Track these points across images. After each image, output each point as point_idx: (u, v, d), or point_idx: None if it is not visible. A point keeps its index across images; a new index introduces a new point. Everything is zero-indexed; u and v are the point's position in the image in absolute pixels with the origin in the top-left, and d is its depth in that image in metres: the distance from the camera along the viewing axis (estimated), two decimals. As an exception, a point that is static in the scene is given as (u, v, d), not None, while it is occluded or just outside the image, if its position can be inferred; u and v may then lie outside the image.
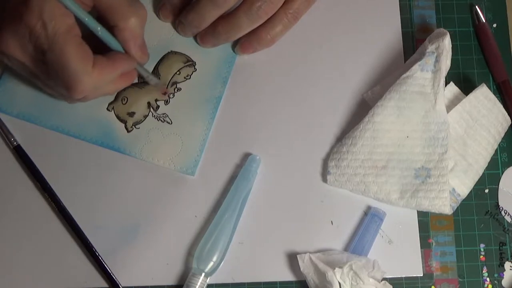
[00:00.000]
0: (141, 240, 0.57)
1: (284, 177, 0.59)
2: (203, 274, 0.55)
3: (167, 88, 0.59)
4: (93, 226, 0.57)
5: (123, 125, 0.59)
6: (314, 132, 0.60)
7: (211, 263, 0.55)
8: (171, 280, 0.56)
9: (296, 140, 0.60)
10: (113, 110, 0.59)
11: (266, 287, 0.57)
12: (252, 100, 0.60)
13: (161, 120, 0.59)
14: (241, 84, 0.61)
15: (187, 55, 0.60)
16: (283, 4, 0.57)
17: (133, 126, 0.59)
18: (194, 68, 0.60)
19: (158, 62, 0.60)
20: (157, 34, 0.60)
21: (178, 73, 0.60)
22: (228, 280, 0.57)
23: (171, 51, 0.60)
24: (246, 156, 0.59)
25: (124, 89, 0.59)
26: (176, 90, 0.59)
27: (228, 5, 0.56)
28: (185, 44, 0.60)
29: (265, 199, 0.58)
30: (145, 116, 0.59)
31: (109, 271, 0.56)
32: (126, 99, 0.59)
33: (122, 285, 0.56)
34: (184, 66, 0.60)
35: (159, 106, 0.59)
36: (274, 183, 0.59)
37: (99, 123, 0.58)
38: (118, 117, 0.59)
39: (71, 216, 0.57)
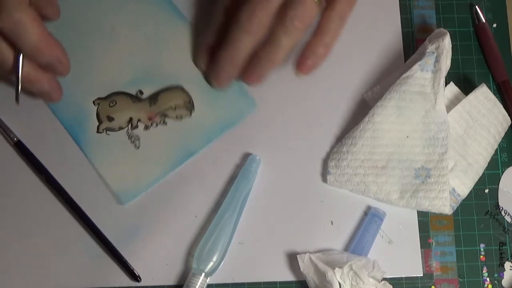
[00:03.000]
0: (141, 240, 0.57)
1: (284, 177, 0.59)
2: (203, 274, 0.55)
3: (155, 115, 0.58)
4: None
5: (97, 124, 0.58)
6: (314, 132, 0.60)
7: (211, 263, 0.55)
8: (171, 280, 0.56)
9: (296, 140, 0.60)
10: (97, 106, 0.59)
11: (266, 287, 0.57)
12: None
13: (131, 140, 0.58)
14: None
15: (191, 99, 0.59)
16: (325, 9, 0.54)
17: (105, 130, 0.58)
18: (190, 114, 0.59)
19: (164, 89, 0.59)
20: (177, 62, 0.60)
21: (173, 108, 0.59)
22: (228, 280, 0.57)
23: (180, 86, 0.59)
24: (246, 156, 0.59)
25: (118, 94, 0.59)
26: (161, 122, 0.59)
27: (261, 30, 0.53)
28: (196, 89, 0.59)
29: (265, 199, 0.58)
30: (120, 128, 0.58)
31: (124, 259, 0.56)
32: (114, 103, 0.59)
33: (123, 285, 0.56)
34: (182, 107, 0.59)
35: (137, 126, 0.58)
36: (274, 183, 0.59)
37: (79, 109, 0.58)
38: (97, 114, 0.58)
39: (80, 207, 0.56)
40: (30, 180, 0.57)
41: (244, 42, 0.54)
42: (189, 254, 0.57)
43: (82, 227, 0.57)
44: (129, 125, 0.58)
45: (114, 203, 0.57)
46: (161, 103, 0.59)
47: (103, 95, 0.59)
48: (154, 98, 0.59)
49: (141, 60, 0.60)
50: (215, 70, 0.57)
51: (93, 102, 0.59)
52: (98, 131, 0.58)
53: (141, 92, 0.59)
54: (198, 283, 0.54)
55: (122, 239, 0.57)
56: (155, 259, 0.57)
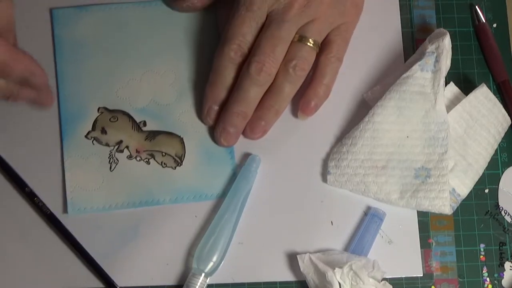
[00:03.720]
0: (141, 240, 0.57)
1: (284, 177, 0.59)
2: (203, 274, 0.55)
3: (143, 151, 0.58)
4: (93, 226, 0.57)
5: (89, 129, 0.58)
6: (314, 132, 0.60)
7: (211, 263, 0.55)
8: (171, 280, 0.56)
9: (296, 140, 0.60)
10: (99, 114, 0.58)
11: (266, 287, 0.57)
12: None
13: (109, 161, 0.58)
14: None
15: (184, 155, 0.58)
16: (321, 51, 0.57)
17: (93, 139, 0.58)
18: (174, 168, 0.58)
19: (166, 132, 0.59)
20: (191, 114, 0.59)
21: (163, 154, 0.58)
22: (228, 280, 0.57)
23: (182, 138, 0.59)
24: (246, 156, 0.59)
25: (124, 113, 0.58)
26: (145, 160, 0.58)
27: (270, 80, 0.55)
28: (193, 148, 0.58)
29: (265, 199, 0.58)
30: (107, 145, 0.58)
31: (101, 269, 0.56)
32: (116, 119, 0.58)
33: (122, 285, 0.56)
34: (171, 157, 0.58)
35: (122, 151, 0.58)
36: (274, 183, 0.59)
37: (82, 107, 0.59)
38: (95, 121, 0.58)
39: (58, 218, 0.56)
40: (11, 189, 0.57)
41: (255, 94, 0.56)
42: (189, 254, 0.57)
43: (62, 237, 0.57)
44: (116, 147, 0.58)
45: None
46: (156, 143, 0.58)
47: (110, 107, 0.59)
48: (152, 135, 0.59)
49: (162, 94, 0.59)
50: (225, 128, 0.57)
51: (98, 109, 0.59)
52: (86, 136, 0.58)
53: (144, 124, 0.59)
54: (198, 283, 0.54)
55: (122, 239, 0.57)
56: (155, 259, 0.57)
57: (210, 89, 0.57)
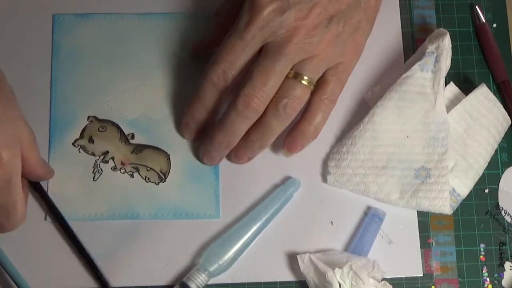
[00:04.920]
0: (141, 240, 0.57)
1: (284, 177, 0.59)
2: (206, 272, 0.55)
3: (129, 162, 0.58)
4: (93, 226, 0.57)
5: (76, 137, 0.58)
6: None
7: (217, 265, 0.55)
8: (171, 280, 0.56)
9: (296, 140, 0.60)
10: (88, 123, 0.58)
11: (266, 287, 0.57)
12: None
13: (93, 170, 0.58)
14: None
15: (169, 172, 0.58)
16: (316, 91, 0.54)
17: (79, 146, 0.58)
18: (157, 183, 0.58)
19: (153, 146, 0.58)
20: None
21: (148, 169, 0.58)
22: (228, 280, 0.57)
23: (168, 154, 0.58)
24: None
25: (113, 124, 0.59)
26: (129, 173, 0.58)
27: (257, 114, 0.53)
28: (179, 167, 0.58)
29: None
30: (93, 154, 0.58)
31: (97, 268, 0.55)
32: (104, 129, 0.58)
33: (122, 285, 0.56)
34: (155, 173, 0.58)
35: (107, 162, 0.58)
36: (274, 183, 0.59)
37: (73, 113, 0.59)
38: (84, 129, 0.58)
39: (61, 214, 0.56)
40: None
41: (241, 127, 0.54)
42: (192, 252, 0.57)
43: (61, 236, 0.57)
44: (102, 157, 0.58)
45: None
46: (142, 157, 0.58)
47: (100, 117, 0.59)
48: (139, 148, 0.58)
49: (153, 109, 0.59)
50: (208, 151, 0.56)
51: (88, 117, 0.59)
52: (73, 144, 0.58)
53: (132, 136, 0.58)
54: (199, 279, 0.54)
55: (122, 239, 0.57)
56: (155, 259, 0.57)
57: (189, 107, 0.56)
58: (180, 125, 0.58)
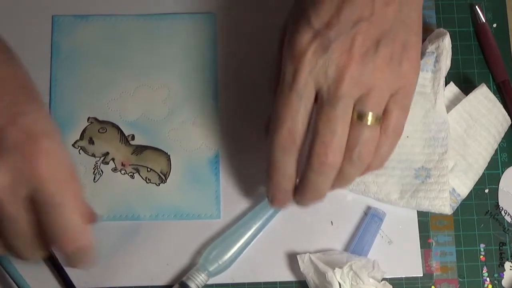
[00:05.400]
0: (141, 240, 0.57)
1: (284, 177, 0.59)
2: (206, 272, 0.55)
3: (129, 164, 0.58)
4: (94, 227, 0.57)
5: (77, 139, 0.58)
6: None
7: (217, 264, 0.55)
8: (171, 280, 0.56)
9: (296, 140, 0.60)
10: (88, 124, 0.59)
11: (266, 287, 0.57)
12: (252, 100, 0.60)
13: (94, 171, 0.58)
14: (240, 80, 0.61)
15: (169, 173, 0.58)
16: (380, 126, 0.49)
17: (79, 147, 0.58)
18: (158, 184, 0.58)
19: (153, 147, 0.58)
20: (182, 135, 0.59)
21: (148, 170, 0.58)
22: (228, 280, 0.57)
23: (169, 155, 0.58)
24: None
25: (113, 126, 0.59)
26: (130, 174, 0.58)
27: (337, 168, 0.48)
28: (179, 168, 0.58)
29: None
30: (93, 155, 0.58)
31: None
32: (104, 130, 0.58)
33: (122, 285, 0.56)
34: (156, 173, 0.58)
35: (107, 163, 0.58)
36: (274, 183, 0.59)
37: (72, 115, 0.59)
38: (84, 130, 0.58)
39: None
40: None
41: (324, 185, 0.49)
42: (193, 253, 0.57)
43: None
44: (102, 158, 0.58)
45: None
46: (142, 158, 0.58)
47: (100, 118, 0.59)
48: (140, 149, 0.58)
49: (153, 110, 0.59)
50: (286, 205, 0.53)
51: (88, 118, 0.59)
52: (73, 145, 0.58)
53: (132, 137, 0.59)
54: (198, 279, 0.54)
55: (122, 239, 0.57)
56: (155, 259, 0.57)
57: (270, 180, 0.51)
58: (268, 196, 0.53)
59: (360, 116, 0.47)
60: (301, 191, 0.50)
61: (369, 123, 0.47)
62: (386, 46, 0.47)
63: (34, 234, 0.43)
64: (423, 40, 0.60)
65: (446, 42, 0.58)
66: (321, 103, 0.47)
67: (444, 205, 0.56)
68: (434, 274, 0.58)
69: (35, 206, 0.42)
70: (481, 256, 0.59)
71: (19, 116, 0.43)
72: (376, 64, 0.47)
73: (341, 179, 0.49)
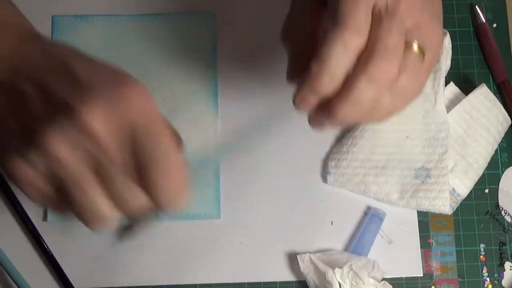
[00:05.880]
0: (141, 240, 0.57)
1: (284, 177, 0.59)
2: None
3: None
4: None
5: None
6: (314, 132, 0.60)
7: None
8: (171, 280, 0.56)
9: (296, 140, 0.60)
10: None
11: (266, 287, 0.57)
12: (252, 100, 0.60)
13: None
14: (240, 81, 0.61)
15: None
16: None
17: None
18: None
19: None
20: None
21: None
22: (228, 280, 0.57)
23: None
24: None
25: None
26: None
27: (388, 84, 0.42)
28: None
29: (265, 199, 0.58)
30: None
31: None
32: None
33: (122, 285, 0.56)
34: None
35: None
36: (274, 183, 0.59)
37: None
38: None
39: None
40: None
41: (371, 97, 0.43)
42: (193, 253, 0.57)
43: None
44: None
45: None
46: None
47: None
48: None
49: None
50: (318, 118, 0.46)
51: None
52: None
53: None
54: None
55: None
56: (155, 259, 0.57)
57: (309, 77, 0.43)
58: (294, 96, 0.45)
59: (410, 45, 0.43)
60: (341, 100, 0.43)
61: (415, 50, 0.43)
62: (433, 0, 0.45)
63: (135, 179, 0.40)
64: (423, 40, 0.60)
65: (446, 42, 0.58)
66: (379, 14, 0.42)
67: (444, 205, 0.57)
68: (434, 274, 0.58)
69: (136, 147, 0.39)
70: (481, 256, 0.59)
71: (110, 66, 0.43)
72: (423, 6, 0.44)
73: (373, 105, 0.43)
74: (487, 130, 0.59)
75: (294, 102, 0.45)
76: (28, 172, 0.38)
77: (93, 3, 0.61)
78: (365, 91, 0.42)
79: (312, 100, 0.44)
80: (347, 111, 0.43)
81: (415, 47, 0.43)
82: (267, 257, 0.57)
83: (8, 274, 0.54)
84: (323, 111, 0.44)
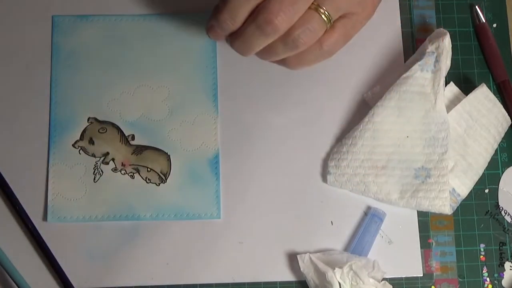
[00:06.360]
0: (141, 240, 0.57)
1: (284, 177, 0.59)
2: None
3: (129, 164, 0.58)
4: (94, 227, 0.57)
5: (77, 139, 0.58)
6: (314, 132, 0.60)
7: None
8: (171, 280, 0.56)
9: (296, 140, 0.60)
10: (88, 124, 0.58)
11: (266, 287, 0.57)
12: (252, 100, 0.60)
13: (94, 171, 0.57)
14: (240, 81, 0.61)
15: (169, 172, 0.58)
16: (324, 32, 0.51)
17: (79, 147, 0.58)
18: (158, 184, 0.58)
19: (153, 147, 0.58)
20: (181, 135, 0.59)
21: (148, 169, 0.58)
22: (228, 280, 0.57)
23: (169, 155, 0.58)
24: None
25: (113, 126, 0.59)
26: (130, 174, 0.58)
27: (277, 35, 0.49)
28: (179, 168, 0.58)
29: (265, 199, 0.58)
30: (93, 155, 0.58)
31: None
32: (104, 130, 0.58)
33: (122, 285, 0.56)
34: (156, 173, 0.58)
35: (108, 163, 0.58)
36: (274, 183, 0.59)
37: (72, 115, 0.59)
38: (84, 131, 0.58)
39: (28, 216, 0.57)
40: None
41: (257, 43, 0.50)
42: (193, 253, 0.57)
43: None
44: (103, 158, 0.58)
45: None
46: (142, 158, 0.58)
47: (101, 118, 0.59)
48: (140, 150, 0.58)
49: (153, 110, 0.59)
50: (215, 36, 0.53)
51: (88, 118, 0.59)
52: (73, 145, 0.58)
53: (133, 137, 0.59)
54: None
55: (122, 239, 0.57)
56: (155, 259, 0.57)
57: (216, 12, 0.51)
58: (207, 25, 0.53)
59: (317, 8, 0.49)
60: (234, 37, 0.51)
61: (322, 16, 0.49)
62: None
63: None
64: (423, 40, 0.60)
65: (446, 42, 0.58)
66: None
67: (444, 205, 0.57)
68: (434, 274, 0.58)
69: None
70: (481, 256, 0.59)
71: None
72: None
73: (266, 48, 0.51)
74: (487, 130, 0.59)
75: (206, 30, 0.53)
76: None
77: (93, 3, 0.61)
78: (252, 35, 0.50)
79: (220, 33, 0.52)
80: (239, 47, 0.51)
81: (323, 15, 0.49)
82: (267, 257, 0.57)
83: (8, 274, 0.54)
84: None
